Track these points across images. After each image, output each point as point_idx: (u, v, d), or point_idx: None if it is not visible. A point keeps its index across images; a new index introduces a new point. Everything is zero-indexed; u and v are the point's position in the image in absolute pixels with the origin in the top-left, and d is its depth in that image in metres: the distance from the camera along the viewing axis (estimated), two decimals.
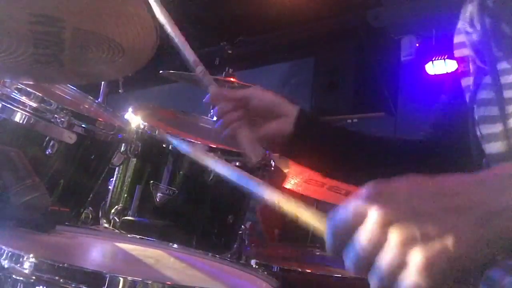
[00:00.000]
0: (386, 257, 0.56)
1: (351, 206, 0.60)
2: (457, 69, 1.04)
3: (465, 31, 0.94)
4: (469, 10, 0.92)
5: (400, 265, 0.55)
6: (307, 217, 0.69)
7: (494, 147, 0.87)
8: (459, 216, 0.56)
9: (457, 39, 1.02)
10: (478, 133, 0.91)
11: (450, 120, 1.08)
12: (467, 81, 0.98)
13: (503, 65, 0.88)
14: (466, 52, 0.98)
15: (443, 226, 0.55)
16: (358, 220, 0.58)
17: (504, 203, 0.56)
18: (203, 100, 1.23)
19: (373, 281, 0.58)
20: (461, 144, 0.96)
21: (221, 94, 1.20)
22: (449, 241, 0.55)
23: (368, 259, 0.58)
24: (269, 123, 1.14)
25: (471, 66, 0.97)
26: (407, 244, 0.55)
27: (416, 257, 0.54)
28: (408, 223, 0.56)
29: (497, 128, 0.86)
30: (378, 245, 0.57)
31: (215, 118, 1.21)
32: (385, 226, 0.56)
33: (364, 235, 0.57)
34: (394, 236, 0.56)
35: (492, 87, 0.89)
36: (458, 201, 0.57)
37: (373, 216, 0.57)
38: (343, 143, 1.19)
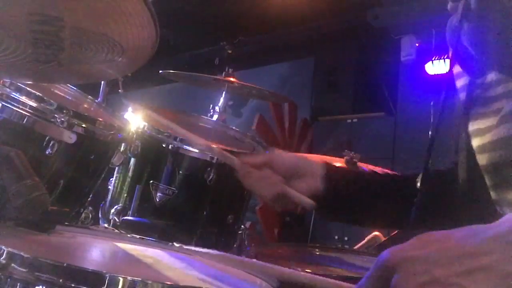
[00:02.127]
0: None
1: (372, 279, 0.60)
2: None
3: (451, 45, 0.94)
4: (453, 24, 0.92)
5: None
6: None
7: (484, 159, 0.87)
8: (479, 280, 0.55)
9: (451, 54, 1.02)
10: (473, 144, 0.91)
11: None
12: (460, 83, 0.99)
13: (490, 77, 0.89)
14: (457, 68, 0.98)
15: None
16: None
17: None
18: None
19: None
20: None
21: (247, 163, 1.17)
22: None
23: None
24: (297, 184, 1.12)
25: (462, 81, 0.97)
26: None
27: None
28: None
29: (486, 139, 0.87)
30: None
31: (253, 188, 1.19)
32: None
33: None
34: None
35: (483, 100, 0.89)
36: (478, 262, 0.55)
37: None
38: (371, 191, 1.17)
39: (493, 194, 0.88)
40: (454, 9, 0.91)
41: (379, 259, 0.60)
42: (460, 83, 0.99)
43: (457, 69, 0.99)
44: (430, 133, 1.05)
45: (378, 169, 1.96)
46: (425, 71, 4.50)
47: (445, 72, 4.35)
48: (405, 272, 0.57)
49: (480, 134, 0.89)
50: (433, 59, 4.41)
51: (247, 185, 1.16)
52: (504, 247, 0.56)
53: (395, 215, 1.15)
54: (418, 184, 1.05)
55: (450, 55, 0.99)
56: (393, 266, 0.58)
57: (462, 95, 0.97)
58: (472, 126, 0.91)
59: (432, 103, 3.87)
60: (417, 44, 4.60)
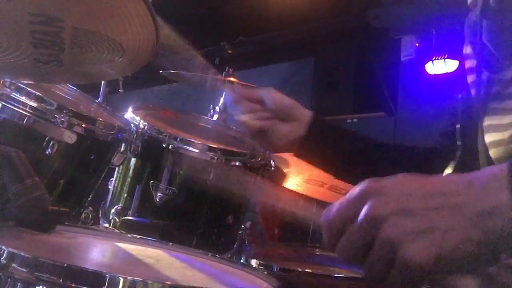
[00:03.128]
0: (374, 252, 0.60)
1: (344, 202, 0.64)
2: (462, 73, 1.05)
3: (470, 41, 0.94)
4: (472, 19, 0.92)
5: (388, 260, 0.59)
6: (304, 213, 0.73)
7: (499, 152, 0.88)
8: (448, 216, 0.58)
9: (465, 50, 1.02)
10: (485, 140, 0.92)
11: (460, 129, 1.10)
12: (471, 78, 0.99)
13: (510, 73, 0.89)
14: (472, 63, 0.99)
15: (432, 224, 0.58)
16: (350, 216, 0.62)
17: (493, 203, 0.57)
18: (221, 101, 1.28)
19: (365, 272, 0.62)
20: (469, 154, 0.97)
21: (242, 94, 1.24)
22: (436, 239, 0.57)
23: (358, 253, 0.61)
24: (283, 124, 1.19)
25: (474, 77, 0.98)
26: (395, 240, 0.58)
27: (403, 253, 0.57)
28: (397, 220, 0.59)
29: (504, 135, 0.87)
30: (367, 239, 0.60)
31: (239, 117, 1.24)
32: (375, 222, 0.60)
33: (355, 229, 0.61)
34: (383, 232, 0.59)
35: (501, 96, 0.89)
36: (448, 200, 0.59)
37: (364, 212, 0.60)
38: (352, 147, 1.23)
39: None
40: (473, 5, 0.92)
41: (356, 187, 0.64)
42: (471, 78, 0.99)
43: (469, 64, 0.99)
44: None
45: None
46: (425, 71, 4.50)
47: (445, 72, 4.36)
48: (378, 199, 0.61)
49: (497, 129, 0.89)
50: (433, 59, 4.41)
51: (236, 113, 1.23)
52: (474, 190, 0.59)
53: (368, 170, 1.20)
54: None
55: (466, 51, 0.99)
56: (367, 194, 0.62)
57: (473, 91, 0.98)
58: (489, 121, 0.92)
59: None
60: (417, 44, 4.60)
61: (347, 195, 0.64)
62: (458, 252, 0.57)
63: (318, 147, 1.20)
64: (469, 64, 1.00)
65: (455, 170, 1.01)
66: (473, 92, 0.98)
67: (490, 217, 0.57)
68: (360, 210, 0.61)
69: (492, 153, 0.90)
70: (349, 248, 0.62)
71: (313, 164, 1.29)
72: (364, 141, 1.26)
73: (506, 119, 0.88)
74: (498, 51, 0.89)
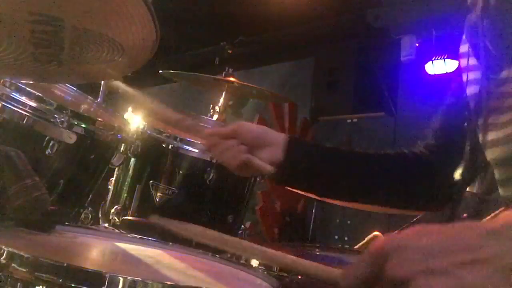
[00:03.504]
0: None
1: (364, 264, 0.60)
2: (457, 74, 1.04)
3: (469, 41, 0.94)
4: (472, 19, 0.92)
5: None
6: (319, 274, 0.67)
7: (495, 153, 0.87)
8: (477, 272, 0.55)
9: (462, 48, 1.02)
10: (480, 139, 0.91)
11: (452, 129, 1.09)
12: (465, 78, 0.99)
13: (507, 72, 0.89)
14: (471, 61, 0.98)
15: (462, 282, 0.55)
16: (372, 279, 0.58)
17: None
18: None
19: None
20: (459, 154, 0.97)
21: (213, 133, 1.23)
22: None
23: None
24: (260, 153, 1.17)
25: (473, 75, 0.97)
26: None
27: None
28: (426, 280, 0.55)
29: (499, 134, 0.87)
30: None
31: (218, 158, 1.25)
32: (401, 285, 0.56)
33: None
34: None
35: (498, 95, 0.89)
36: (474, 255, 0.56)
37: (389, 274, 0.57)
38: (333, 165, 1.20)
39: (501, 190, 0.88)
40: (473, 4, 0.91)
41: (373, 244, 0.60)
42: (471, 76, 0.99)
43: (469, 62, 0.99)
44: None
45: None
46: (425, 71, 4.50)
47: (445, 72, 4.35)
48: (399, 258, 0.57)
49: (493, 128, 0.89)
50: (433, 59, 4.41)
51: (214, 156, 1.21)
52: (501, 241, 0.56)
53: (358, 190, 1.19)
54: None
55: (463, 49, 0.99)
56: (388, 252, 0.58)
57: (472, 89, 0.98)
58: (484, 121, 0.92)
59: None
60: (417, 44, 4.60)
61: (365, 255, 0.60)
62: None
63: (298, 169, 1.18)
64: (464, 62, 1.00)
65: (464, 171, 1.00)
66: (470, 90, 0.98)
67: None
68: (381, 271, 0.57)
69: (489, 153, 0.90)
70: None
71: (296, 188, 1.25)
72: (345, 156, 1.23)
73: (501, 118, 0.88)
74: (499, 50, 0.88)
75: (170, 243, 1.15)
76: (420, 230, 0.60)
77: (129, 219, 1.57)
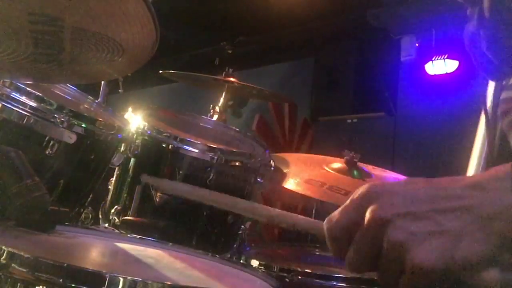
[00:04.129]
0: (383, 258, 0.58)
1: (345, 208, 0.61)
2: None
3: (469, 49, 0.95)
4: (470, 29, 0.93)
5: (399, 265, 0.57)
6: (305, 225, 0.69)
7: None
8: (456, 219, 0.56)
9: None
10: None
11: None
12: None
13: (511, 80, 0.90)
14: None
15: (440, 228, 0.56)
16: (354, 222, 0.60)
17: (502, 205, 0.56)
18: None
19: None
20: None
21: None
22: (446, 243, 0.55)
23: (368, 261, 0.59)
24: None
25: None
26: (403, 243, 0.56)
27: (413, 257, 0.55)
28: (404, 222, 0.57)
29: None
30: (375, 245, 0.58)
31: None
32: (380, 226, 0.57)
33: (361, 237, 0.59)
34: (389, 235, 0.57)
35: (507, 101, 0.90)
36: (456, 203, 0.57)
37: (368, 216, 0.58)
38: None
39: None
40: (472, 14, 0.92)
41: (358, 189, 0.61)
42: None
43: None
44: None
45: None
46: (425, 71, 4.50)
47: (445, 72, 4.36)
48: (382, 202, 0.58)
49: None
50: (433, 59, 4.41)
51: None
52: (482, 193, 0.57)
53: None
54: None
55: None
56: (371, 197, 0.59)
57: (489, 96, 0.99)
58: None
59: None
60: (417, 44, 4.60)
61: (348, 200, 0.61)
62: (471, 256, 0.55)
63: None
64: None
65: None
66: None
67: (496, 220, 0.55)
68: (363, 215, 0.59)
69: None
70: (358, 258, 0.60)
71: None
72: None
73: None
74: (498, 59, 0.89)
75: (170, 243, 1.15)
76: (406, 180, 0.62)
77: (129, 219, 1.57)
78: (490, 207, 0.56)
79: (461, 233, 0.56)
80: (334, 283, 1.44)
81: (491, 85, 1.00)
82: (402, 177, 1.91)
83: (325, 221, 0.63)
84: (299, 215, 0.70)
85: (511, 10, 0.83)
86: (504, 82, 0.93)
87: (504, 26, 0.84)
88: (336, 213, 0.62)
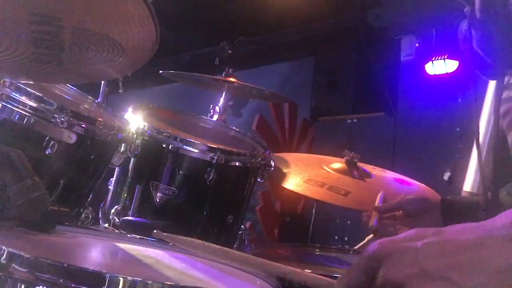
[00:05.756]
0: None
1: (357, 269, 0.59)
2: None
3: (463, 48, 0.95)
4: (464, 27, 0.93)
5: None
6: (316, 283, 0.68)
7: None
8: (471, 274, 0.53)
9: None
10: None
11: None
12: None
13: (508, 78, 0.90)
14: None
15: (453, 286, 0.53)
16: (367, 284, 0.58)
17: None
18: None
19: None
20: None
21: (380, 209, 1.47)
22: None
23: None
24: (421, 220, 1.32)
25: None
26: None
27: None
28: (417, 285, 0.55)
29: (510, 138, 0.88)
30: None
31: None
32: None
33: None
34: None
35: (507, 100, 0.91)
36: (469, 256, 0.54)
37: (381, 280, 0.56)
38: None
39: None
40: (467, 13, 0.92)
41: (367, 249, 0.59)
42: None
43: None
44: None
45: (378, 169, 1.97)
46: (425, 71, 4.50)
47: (445, 72, 4.36)
48: (393, 262, 0.56)
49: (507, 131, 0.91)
50: (433, 59, 4.41)
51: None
52: (496, 241, 0.54)
53: None
54: None
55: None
56: (381, 257, 0.57)
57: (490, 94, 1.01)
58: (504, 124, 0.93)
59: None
60: (417, 44, 4.60)
61: (359, 259, 0.59)
62: None
63: None
64: None
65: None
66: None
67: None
68: (375, 277, 0.57)
69: None
70: None
71: None
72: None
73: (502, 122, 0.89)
74: (490, 58, 0.90)
75: (170, 243, 1.15)
76: (414, 232, 0.59)
77: (129, 219, 1.57)
78: (505, 258, 0.52)
79: None
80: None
81: (492, 84, 1.00)
82: (402, 177, 1.91)
83: (337, 280, 0.62)
84: (310, 273, 0.69)
85: (501, 10, 0.83)
86: (506, 81, 0.94)
87: (494, 26, 0.85)
88: (347, 274, 0.60)
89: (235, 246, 1.73)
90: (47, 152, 1.29)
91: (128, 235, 1.18)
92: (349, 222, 4.57)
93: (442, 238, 0.57)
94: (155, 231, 0.91)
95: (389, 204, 1.44)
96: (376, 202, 1.52)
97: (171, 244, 1.02)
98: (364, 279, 0.58)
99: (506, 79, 0.92)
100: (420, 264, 0.55)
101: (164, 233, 0.88)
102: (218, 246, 0.81)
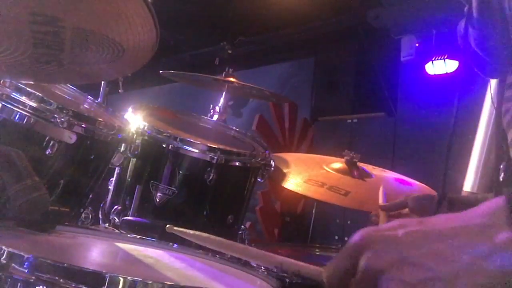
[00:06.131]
0: None
1: (341, 256, 0.62)
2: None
3: (462, 46, 0.95)
4: (462, 26, 0.94)
5: None
6: (308, 272, 0.71)
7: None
8: (449, 262, 0.55)
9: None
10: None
11: None
12: None
13: (510, 78, 0.90)
14: None
15: (432, 274, 0.55)
16: (349, 271, 0.60)
17: (500, 241, 0.54)
18: None
19: None
20: None
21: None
22: None
23: None
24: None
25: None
26: None
27: None
28: (396, 272, 0.57)
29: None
30: None
31: None
32: (373, 277, 0.58)
33: (356, 286, 0.59)
34: (384, 286, 0.57)
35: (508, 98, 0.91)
36: (446, 244, 0.56)
37: (362, 267, 0.58)
38: None
39: None
40: (466, 12, 0.93)
41: (352, 237, 0.61)
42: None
43: None
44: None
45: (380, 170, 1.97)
46: (425, 71, 4.50)
47: (445, 72, 4.36)
48: (375, 250, 0.58)
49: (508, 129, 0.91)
50: (433, 59, 4.41)
51: None
52: (472, 230, 0.56)
53: None
54: None
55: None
56: (364, 245, 0.59)
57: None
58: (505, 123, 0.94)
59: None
60: (417, 44, 4.60)
61: (345, 247, 0.62)
62: None
63: None
64: None
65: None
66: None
67: (490, 259, 0.54)
68: (358, 264, 0.59)
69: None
70: None
71: None
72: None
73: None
74: (488, 57, 0.90)
75: (170, 243, 1.15)
76: (398, 222, 0.61)
77: (129, 219, 1.57)
78: (485, 246, 0.54)
79: (455, 278, 0.54)
80: None
81: (492, 83, 1.00)
82: (402, 177, 1.91)
83: (324, 268, 0.64)
84: (303, 263, 0.72)
85: (498, 9, 0.83)
86: (508, 81, 0.94)
87: (490, 25, 0.85)
88: (333, 261, 0.63)
89: None
90: (47, 152, 1.29)
91: (128, 235, 1.18)
92: (349, 222, 4.57)
93: (423, 228, 0.59)
94: (168, 225, 0.94)
95: (395, 202, 1.43)
96: (380, 199, 1.51)
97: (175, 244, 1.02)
98: (348, 266, 0.60)
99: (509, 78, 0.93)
100: (401, 252, 0.57)
101: (175, 227, 0.91)
102: (224, 239, 0.85)
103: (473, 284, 0.54)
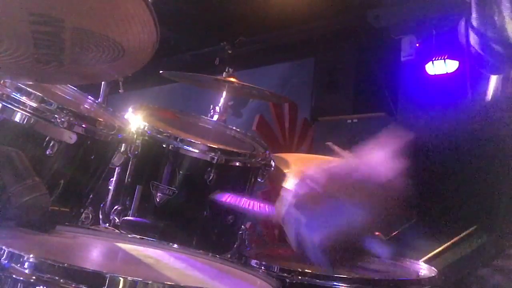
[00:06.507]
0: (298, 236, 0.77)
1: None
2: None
3: (463, 44, 0.96)
4: (463, 25, 0.94)
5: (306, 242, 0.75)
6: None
7: None
8: (350, 194, 0.75)
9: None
10: None
11: None
12: None
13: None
14: None
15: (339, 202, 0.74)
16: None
17: (383, 176, 0.75)
18: None
19: None
20: None
21: None
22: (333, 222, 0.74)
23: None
24: None
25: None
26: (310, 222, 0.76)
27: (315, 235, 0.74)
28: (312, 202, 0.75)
29: None
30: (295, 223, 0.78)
31: None
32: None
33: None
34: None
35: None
36: (350, 182, 0.77)
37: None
38: None
39: None
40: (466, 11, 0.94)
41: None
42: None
43: None
44: None
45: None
46: (425, 71, 4.50)
47: (445, 72, 4.36)
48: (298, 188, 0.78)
49: None
50: (433, 59, 4.41)
51: None
52: (369, 168, 0.83)
53: None
54: None
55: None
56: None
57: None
58: None
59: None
60: (417, 44, 4.60)
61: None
62: (354, 229, 0.73)
63: None
64: None
65: None
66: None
67: (383, 191, 0.76)
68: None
69: None
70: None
71: None
72: None
73: None
74: (487, 54, 0.91)
75: (170, 243, 1.15)
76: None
77: (129, 219, 1.57)
78: (373, 181, 0.78)
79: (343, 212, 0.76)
80: (335, 284, 1.44)
81: (493, 79, 1.00)
82: None
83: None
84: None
85: (496, 8, 0.84)
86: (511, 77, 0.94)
87: (490, 23, 0.86)
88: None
89: (235, 246, 1.74)
90: (47, 152, 1.29)
91: (128, 235, 1.19)
92: None
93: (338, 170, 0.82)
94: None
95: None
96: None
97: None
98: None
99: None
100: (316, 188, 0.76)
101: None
102: None
103: (359, 214, 0.75)
